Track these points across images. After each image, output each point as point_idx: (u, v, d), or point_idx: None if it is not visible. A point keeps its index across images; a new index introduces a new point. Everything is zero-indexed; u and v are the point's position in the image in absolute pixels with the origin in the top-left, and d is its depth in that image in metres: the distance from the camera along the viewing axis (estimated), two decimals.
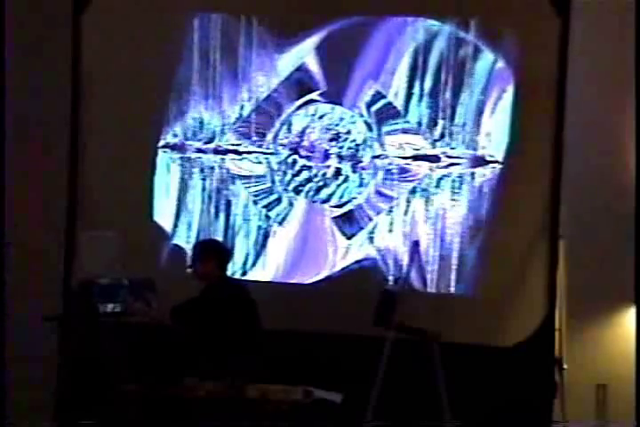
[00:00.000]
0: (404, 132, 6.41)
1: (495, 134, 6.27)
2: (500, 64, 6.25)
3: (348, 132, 6.49)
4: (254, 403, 5.48)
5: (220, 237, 6.56)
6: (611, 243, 6.24)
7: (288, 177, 6.57)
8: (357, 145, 6.48)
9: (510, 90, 6.24)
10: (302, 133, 6.55)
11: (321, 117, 6.52)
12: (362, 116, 6.46)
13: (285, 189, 6.57)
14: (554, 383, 6.11)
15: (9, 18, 6.73)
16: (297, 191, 6.55)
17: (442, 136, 6.34)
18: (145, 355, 6.12)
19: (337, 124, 6.51)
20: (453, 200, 6.33)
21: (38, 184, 6.84)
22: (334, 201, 6.51)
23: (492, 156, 6.28)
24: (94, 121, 6.74)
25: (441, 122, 6.33)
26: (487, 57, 6.26)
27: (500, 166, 6.26)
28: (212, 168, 6.66)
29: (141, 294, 5.90)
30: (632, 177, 6.21)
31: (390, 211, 6.42)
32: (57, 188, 6.78)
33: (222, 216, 6.64)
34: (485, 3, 6.29)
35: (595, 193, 6.28)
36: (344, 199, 6.49)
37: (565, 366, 6.14)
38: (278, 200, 6.58)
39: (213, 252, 5.90)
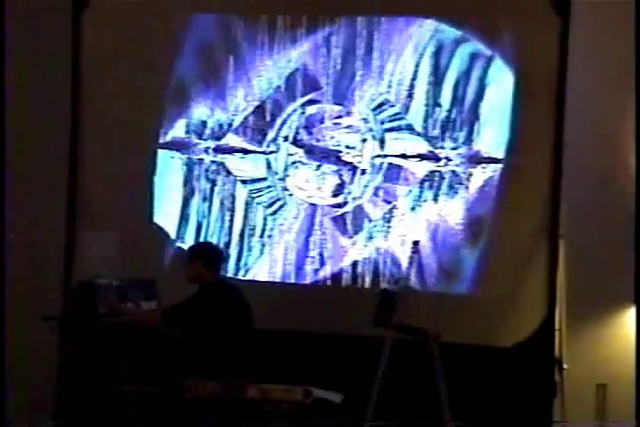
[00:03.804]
0: (405, 131, 6.41)
1: (495, 134, 6.27)
2: (500, 64, 6.25)
3: (349, 132, 6.49)
4: (254, 403, 5.48)
5: (219, 237, 6.57)
6: (611, 243, 6.24)
7: (288, 176, 6.57)
8: (357, 144, 6.48)
9: (510, 89, 6.23)
10: (303, 133, 6.55)
11: (322, 117, 6.52)
12: (362, 115, 6.46)
13: (285, 189, 6.57)
14: (554, 383, 6.11)
15: (9, 18, 6.73)
16: (297, 191, 6.55)
17: (442, 136, 6.34)
18: (145, 355, 6.11)
19: (337, 124, 6.51)
20: (453, 200, 6.33)
21: (38, 184, 6.85)
22: (334, 201, 6.51)
23: (492, 156, 6.27)
24: (94, 121, 6.74)
25: (441, 122, 6.34)
26: (487, 56, 6.26)
27: (500, 166, 6.26)
28: (212, 167, 6.66)
29: (141, 295, 5.91)
30: (632, 177, 6.21)
31: (390, 211, 6.42)
32: (57, 188, 6.78)
33: (222, 215, 6.64)
34: (485, 2, 6.29)
35: (595, 193, 6.28)
36: (344, 199, 6.49)
37: (565, 366, 6.14)
38: (278, 200, 6.58)
39: (201, 253, 5.89)
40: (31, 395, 6.47)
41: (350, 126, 6.48)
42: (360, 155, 6.47)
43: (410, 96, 6.38)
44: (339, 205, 6.50)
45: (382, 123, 6.43)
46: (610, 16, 6.20)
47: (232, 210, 6.63)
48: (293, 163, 6.57)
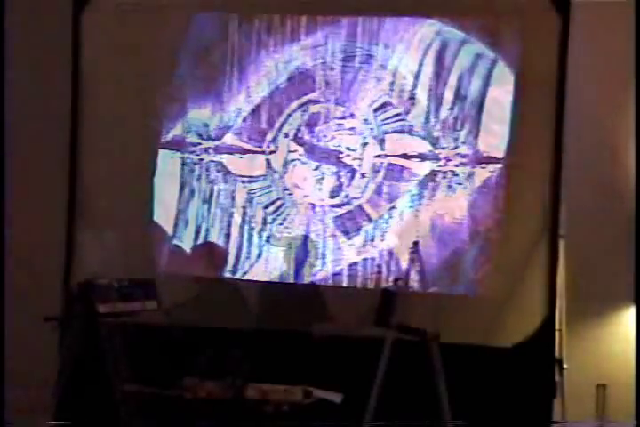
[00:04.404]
0: (405, 131, 6.41)
1: (495, 134, 6.27)
2: (500, 63, 6.24)
3: (350, 134, 6.48)
4: (254, 403, 5.48)
5: (219, 237, 6.56)
6: (611, 243, 6.24)
7: (287, 177, 6.57)
8: (358, 147, 6.47)
9: (510, 89, 6.23)
10: (304, 131, 6.55)
11: (323, 117, 6.52)
12: (363, 116, 6.46)
13: (285, 189, 6.57)
14: (554, 383, 6.11)
15: (9, 17, 6.73)
16: (296, 190, 6.55)
17: (442, 135, 6.33)
18: (145, 355, 6.11)
19: (337, 124, 6.51)
20: (453, 200, 6.33)
21: (38, 184, 6.85)
22: (334, 201, 6.51)
23: (492, 155, 6.27)
24: (94, 121, 6.74)
25: (441, 121, 6.33)
26: (487, 56, 6.26)
27: (500, 166, 6.26)
28: (212, 167, 6.66)
29: (141, 295, 5.91)
30: (632, 177, 6.21)
31: (390, 211, 6.42)
32: (57, 188, 6.78)
33: (222, 216, 6.64)
34: (485, 2, 6.29)
35: (595, 193, 6.28)
36: (344, 199, 6.49)
37: (565, 366, 6.14)
38: (277, 200, 6.58)
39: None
40: (31, 395, 6.46)
41: (352, 128, 6.47)
42: (360, 158, 6.46)
43: (411, 97, 6.38)
44: (338, 205, 6.50)
45: (383, 123, 6.43)
46: (610, 16, 6.19)
47: (231, 210, 6.63)
48: (292, 161, 6.57)
